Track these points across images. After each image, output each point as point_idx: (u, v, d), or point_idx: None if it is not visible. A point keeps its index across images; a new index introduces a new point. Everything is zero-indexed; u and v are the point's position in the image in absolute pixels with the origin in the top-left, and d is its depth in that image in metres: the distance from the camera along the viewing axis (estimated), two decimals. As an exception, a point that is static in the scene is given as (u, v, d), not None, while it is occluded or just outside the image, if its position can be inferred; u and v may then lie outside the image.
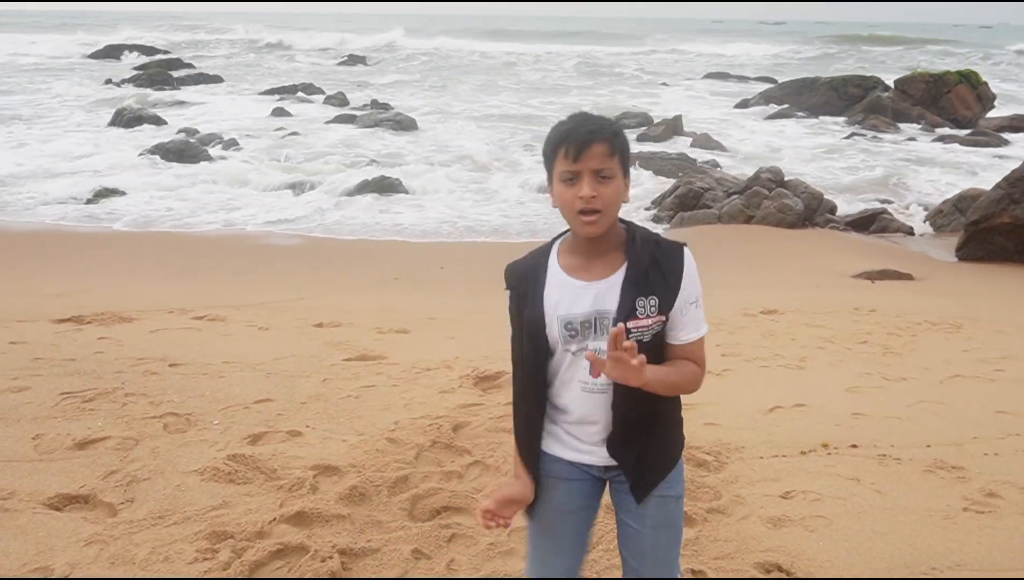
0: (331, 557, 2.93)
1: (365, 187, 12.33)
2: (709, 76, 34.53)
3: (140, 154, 14.27)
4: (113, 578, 2.81)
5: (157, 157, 14.03)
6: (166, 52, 38.69)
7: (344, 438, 3.99)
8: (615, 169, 1.90)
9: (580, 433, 2.05)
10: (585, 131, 1.87)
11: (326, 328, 6.11)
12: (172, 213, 10.79)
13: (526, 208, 11.81)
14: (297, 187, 12.57)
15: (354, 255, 9.24)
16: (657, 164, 14.06)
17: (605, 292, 1.93)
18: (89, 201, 11.24)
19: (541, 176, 13.50)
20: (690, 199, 11.30)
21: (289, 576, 2.87)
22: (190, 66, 31.11)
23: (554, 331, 1.96)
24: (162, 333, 5.76)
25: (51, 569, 2.84)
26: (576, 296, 1.95)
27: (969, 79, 22.63)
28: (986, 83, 22.89)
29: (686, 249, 1.97)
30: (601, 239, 1.94)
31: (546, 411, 2.08)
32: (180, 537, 3.05)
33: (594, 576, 2.91)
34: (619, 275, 1.93)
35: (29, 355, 5.06)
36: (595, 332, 1.94)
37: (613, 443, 2.02)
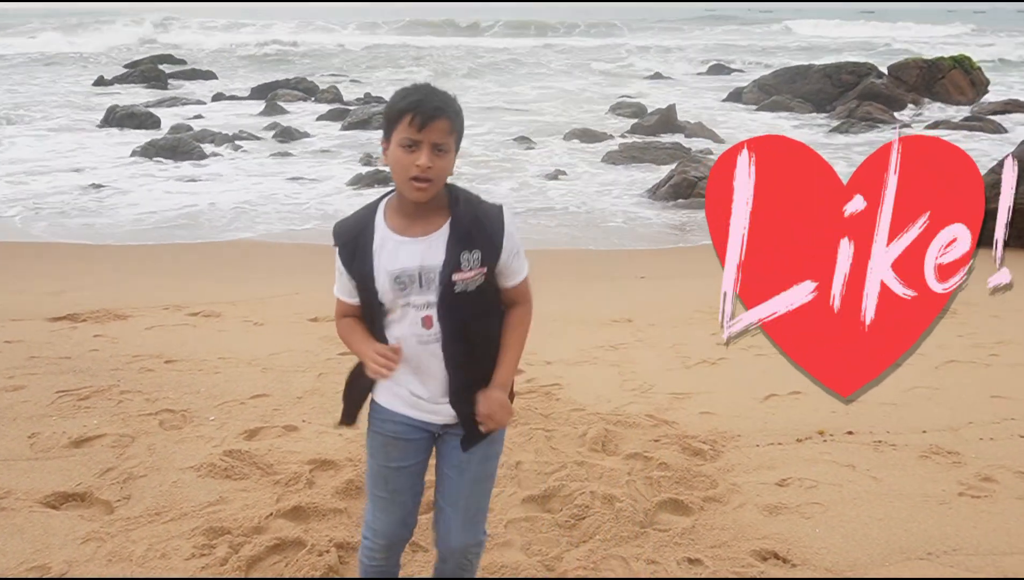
0: (328, 551, 2.95)
1: (360, 181, 12.32)
2: (702, 64, 34.42)
3: (132, 152, 14.21)
4: (110, 577, 2.82)
5: (150, 154, 13.97)
6: (158, 49, 38.47)
7: (340, 432, 3.99)
8: (451, 145, 2.08)
9: (421, 390, 2.22)
10: (433, 105, 2.03)
11: (321, 322, 6.10)
12: (165, 209, 10.75)
13: (518, 193, 11.78)
14: (291, 181, 12.54)
15: (349, 249, 9.22)
16: (651, 154, 14.01)
17: (429, 248, 2.12)
18: (81, 198, 11.20)
19: (539, 170, 13.47)
20: (685, 188, 11.28)
21: (286, 571, 2.87)
22: (182, 62, 30.92)
23: (384, 284, 2.14)
24: (157, 330, 5.76)
25: (48, 567, 2.84)
26: (403, 251, 2.13)
27: (962, 64, 22.58)
28: (979, 68, 22.85)
29: (504, 208, 2.19)
30: (427, 203, 2.11)
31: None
32: (177, 533, 3.06)
33: (585, 576, 2.92)
34: (443, 232, 2.12)
35: (24, 354, 5.06)
36: (420, 285, 2.12)
37: (455, 396, 2.20)
